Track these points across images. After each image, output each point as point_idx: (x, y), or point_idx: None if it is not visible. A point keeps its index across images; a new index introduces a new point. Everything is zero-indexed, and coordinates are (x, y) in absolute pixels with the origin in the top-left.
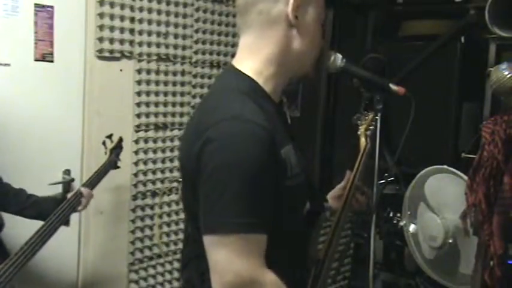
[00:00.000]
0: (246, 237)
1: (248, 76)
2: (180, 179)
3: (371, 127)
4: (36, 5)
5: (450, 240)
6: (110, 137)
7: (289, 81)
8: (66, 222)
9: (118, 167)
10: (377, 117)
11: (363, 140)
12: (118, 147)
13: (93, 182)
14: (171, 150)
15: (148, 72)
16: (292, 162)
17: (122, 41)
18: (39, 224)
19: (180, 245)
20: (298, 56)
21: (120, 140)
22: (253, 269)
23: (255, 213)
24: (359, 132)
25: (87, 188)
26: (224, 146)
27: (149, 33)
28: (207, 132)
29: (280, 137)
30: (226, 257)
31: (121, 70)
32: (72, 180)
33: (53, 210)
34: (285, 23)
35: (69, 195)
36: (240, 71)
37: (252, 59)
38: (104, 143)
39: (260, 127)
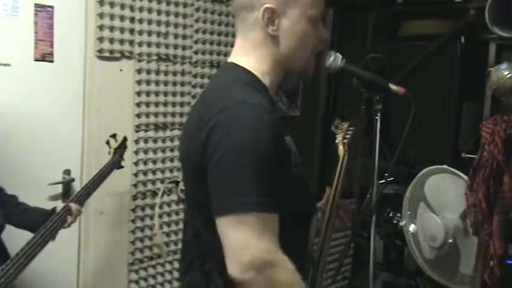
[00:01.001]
0: (262, 216)
1: (247, 69)
2: (178, 180)
3: (347, 136)
4: (36, 5)
5: (450, 240)
6: (114, 136)
7: (285, 76)
8: (53, 237)
9: (122, 167)
10: (377, 117)
11: (341, 148)
12: (122, 147)
13: (88, 191)
14: (171, 150)
15: (148, 72)
16: (294, 151)
17: (122, 41)
18: None
19: (180, 245)
20: (282, 58)
21: (125, 139)
22: (269, 249)
23: (268, 193)
24: (337, 141)
25: (75, 204)
26: (233, 129)
27: (149, 33)
28: (212, 119)
29: (281, 126)
30: (243, 236)
31: (121, 70)
32: (72, 180)
33: (42, 223)
34: (261, 30)
35: (58, 209)
36: (239, 65)
37: (247, 57)
38: (107, 143)
39: (266, 110)
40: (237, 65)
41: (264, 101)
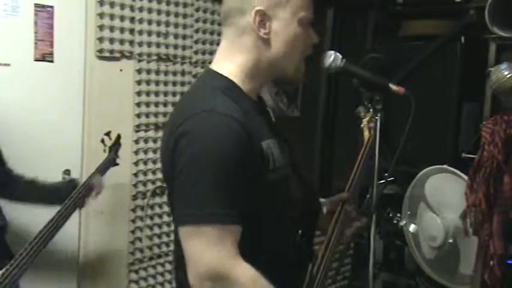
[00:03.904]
0: (218, 228)
1: (224, 76)
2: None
3: (374, 119)
4: (36, 5)
5: (450, 240)
6: (108, 134)
7: (273, 82)
8: (82, 205)
9: (117, 164)
10: (377, 118)
11: (366, 133)
12: (117, 144)
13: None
14: None
15: (148, 72)
16: (275, 156)
17: (122, 41)
18: (40, 219)
19: None
20: (273, 62)
21: (119, 137)
22: (225, 260)
23: (228, 205)
24: (362, 125)
25: (97, 175)
26: (196, 138)
27: (149, 33)
28: (180, 127)
29: (259, 131)
30: (199, 248)
31: (121, 70)
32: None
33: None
34: (253, 33)
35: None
36: (216, 71)
37: (227, 62)
38: (102, 141)
39: (232, 119)
40: (215, 71)
41: (234, 108)
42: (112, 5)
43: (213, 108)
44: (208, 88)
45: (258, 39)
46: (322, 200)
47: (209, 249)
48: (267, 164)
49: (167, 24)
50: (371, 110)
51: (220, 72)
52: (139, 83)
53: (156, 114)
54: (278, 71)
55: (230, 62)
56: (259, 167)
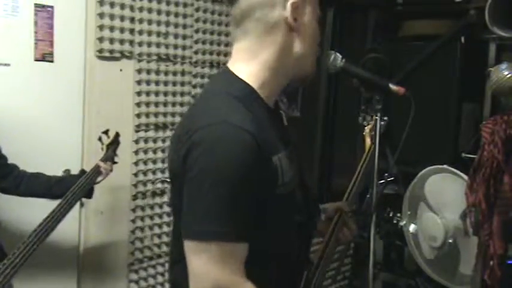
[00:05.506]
0: (225, 246)
1: (242, 80)
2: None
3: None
4: (36, 5)
5: (450, 240)
6: (106, 132)
7: (288, 84)
8: (90, 195)
9: (115, 163)
10: (376, 117)
11: (368, 140)
12: (115, 143)
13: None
14: None
15: (148, 72)
16: (284, 170)
17: (122, 41)
18: (35, 218)
19: None
20: (299, 58)
21: (117, 135)
22: (230, 278)
23: (236, 222)
24: (364, 133)
25: (106, 162)
26: (208, 151)
27: (149, 33)
28: (193, 136)
29: (272, 144)
30: (204, 264)
31: (121, 70)
32: None
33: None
34: (284, 27)
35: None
36: (234, 74)
37: (248, 63)
38: (100, 139)
39: (246, 132)
40: (233, 73)
41: (250, 120)
42: (112, 5)
43: (226, 119)
44: (225, 94)
45: (289, 33)
46: (321, 206)
47: (214, 267)
48: (276, 179)
49: (167, 24)
50: (374, 118)
51: (239, 75)
52: (139, 83)
53: (156, 114)
54: (301, 67)
55: (252, 62)
56: (268, 181)
